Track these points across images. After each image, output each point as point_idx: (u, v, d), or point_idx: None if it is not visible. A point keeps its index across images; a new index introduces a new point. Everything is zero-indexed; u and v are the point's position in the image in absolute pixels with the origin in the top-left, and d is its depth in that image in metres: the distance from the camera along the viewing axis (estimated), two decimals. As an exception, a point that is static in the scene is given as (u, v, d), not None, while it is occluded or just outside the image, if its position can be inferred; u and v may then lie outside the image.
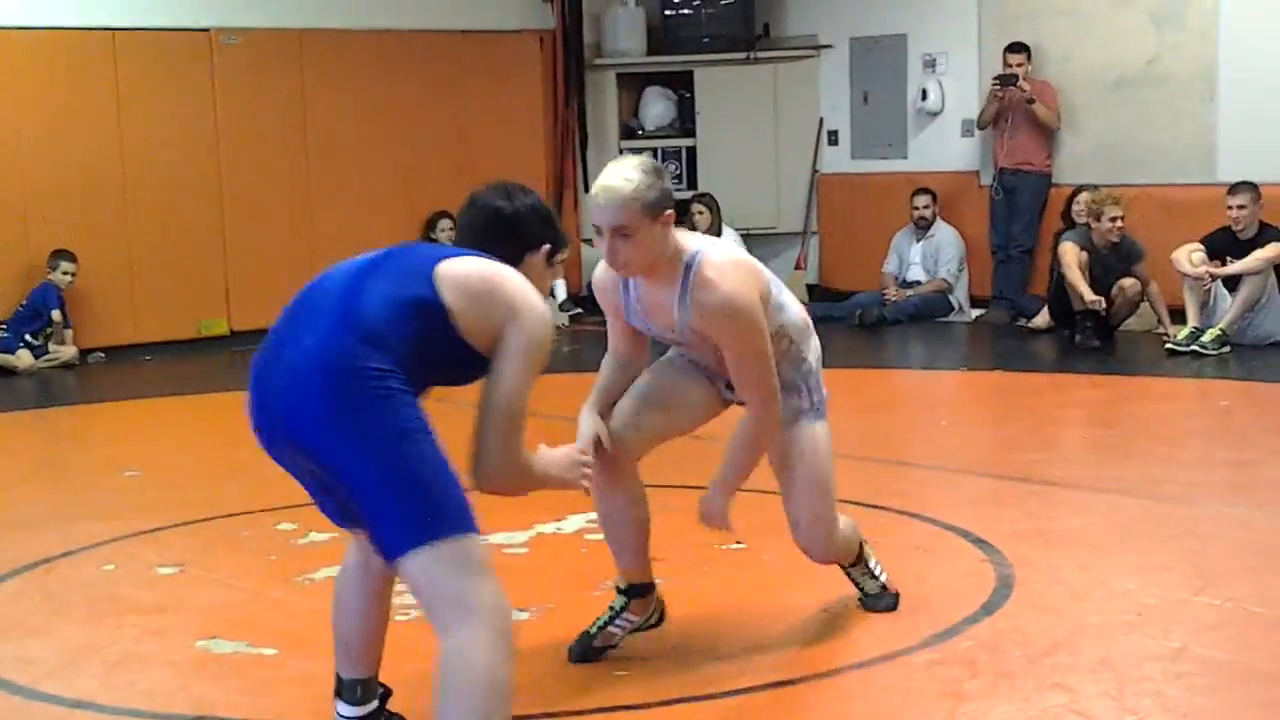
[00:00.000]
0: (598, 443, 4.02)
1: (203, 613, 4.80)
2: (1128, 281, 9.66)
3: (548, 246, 3.60)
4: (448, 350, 3.25)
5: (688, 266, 3.89)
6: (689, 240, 3.94)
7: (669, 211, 3.83)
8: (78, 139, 10.58)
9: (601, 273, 4.08)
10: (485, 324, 3.26)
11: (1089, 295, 9.49)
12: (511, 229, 3.54)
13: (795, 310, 4.21)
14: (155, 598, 5.04)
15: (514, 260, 3.46)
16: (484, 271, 3.33)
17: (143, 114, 10.77)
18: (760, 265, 4.08)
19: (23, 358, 10.17)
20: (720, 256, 3.92)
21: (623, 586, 4.31)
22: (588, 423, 4.06)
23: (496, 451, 3.26)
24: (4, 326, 10.26)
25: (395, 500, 3.10)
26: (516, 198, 3.60)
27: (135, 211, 10.79)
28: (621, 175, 3.80)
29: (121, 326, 10.77)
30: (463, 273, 3.30)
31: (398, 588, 3.53)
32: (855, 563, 4.56)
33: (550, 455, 3.55)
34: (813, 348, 4.28)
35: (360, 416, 3.10)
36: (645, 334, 4.16)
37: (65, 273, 10.36)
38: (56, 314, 10.30)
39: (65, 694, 4.14)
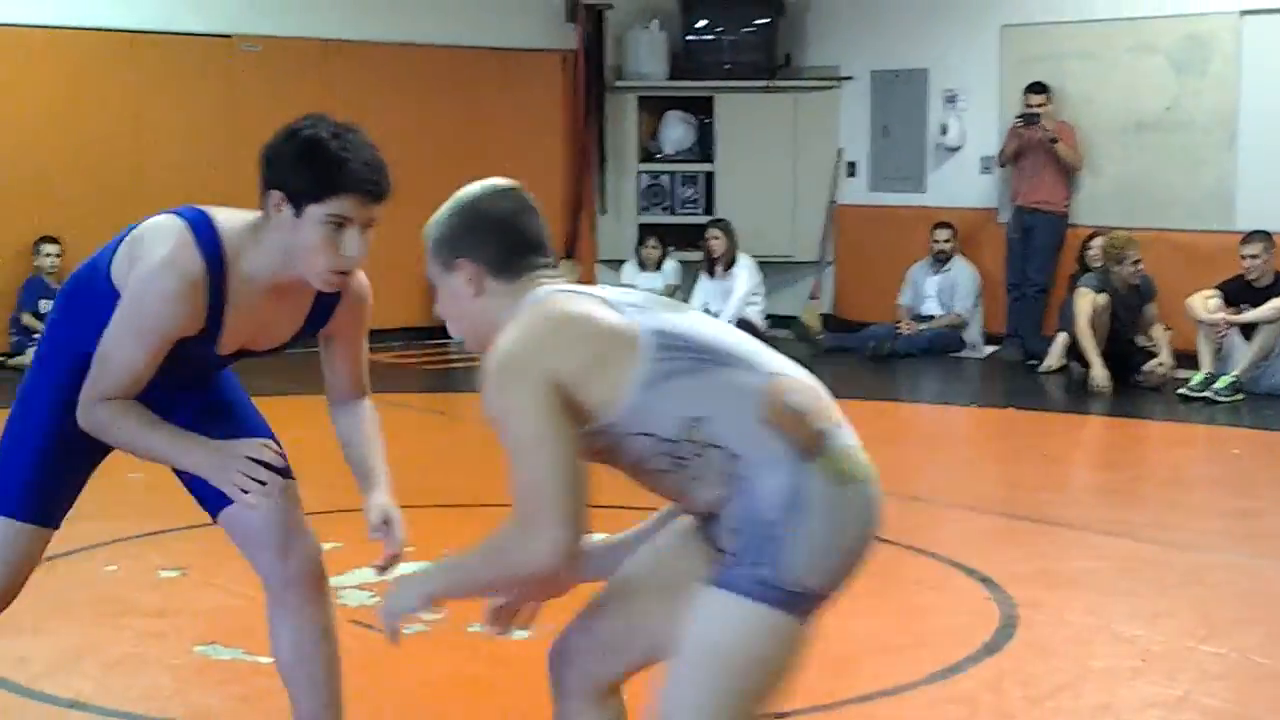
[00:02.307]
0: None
1: (203, 617, 4.78)
2: (1153, 364, 9.60)
3: (278, 193, 2.90)
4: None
5: None
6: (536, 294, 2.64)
7: (460, 260, 2.66)
8: (94, 142, 10.58)
9: None
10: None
11: (1097, 372, 9.42)
12: (261, 169, 2.95)
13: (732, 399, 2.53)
14: (156, 600, 5.02)
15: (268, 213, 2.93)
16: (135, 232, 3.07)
17: (160, 118, 10.78)
18: (624, 322, 2.55)
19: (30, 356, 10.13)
20: (529, 308, 2.60)
21: None
22: None
23: (81, 397, 2.98)
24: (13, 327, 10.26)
25: None
26: (302, 130, 2.97)
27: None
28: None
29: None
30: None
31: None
32: None
33: (222, 444, 2.98)
34: (776, 476, 2.51)
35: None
36: None
37: (48, 255, 10.16)
38: (44, 303, 10.01)
39: (61, 694, 4.13)
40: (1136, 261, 9.61)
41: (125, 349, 2.94)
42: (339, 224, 2.89)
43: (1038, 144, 10.84)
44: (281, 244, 2.93)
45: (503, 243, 2.68)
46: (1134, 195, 10.76)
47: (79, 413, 3.00)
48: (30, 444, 3.13)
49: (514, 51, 12.28)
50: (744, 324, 11.54)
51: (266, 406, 3.46)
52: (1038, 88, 10.86)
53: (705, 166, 12.68)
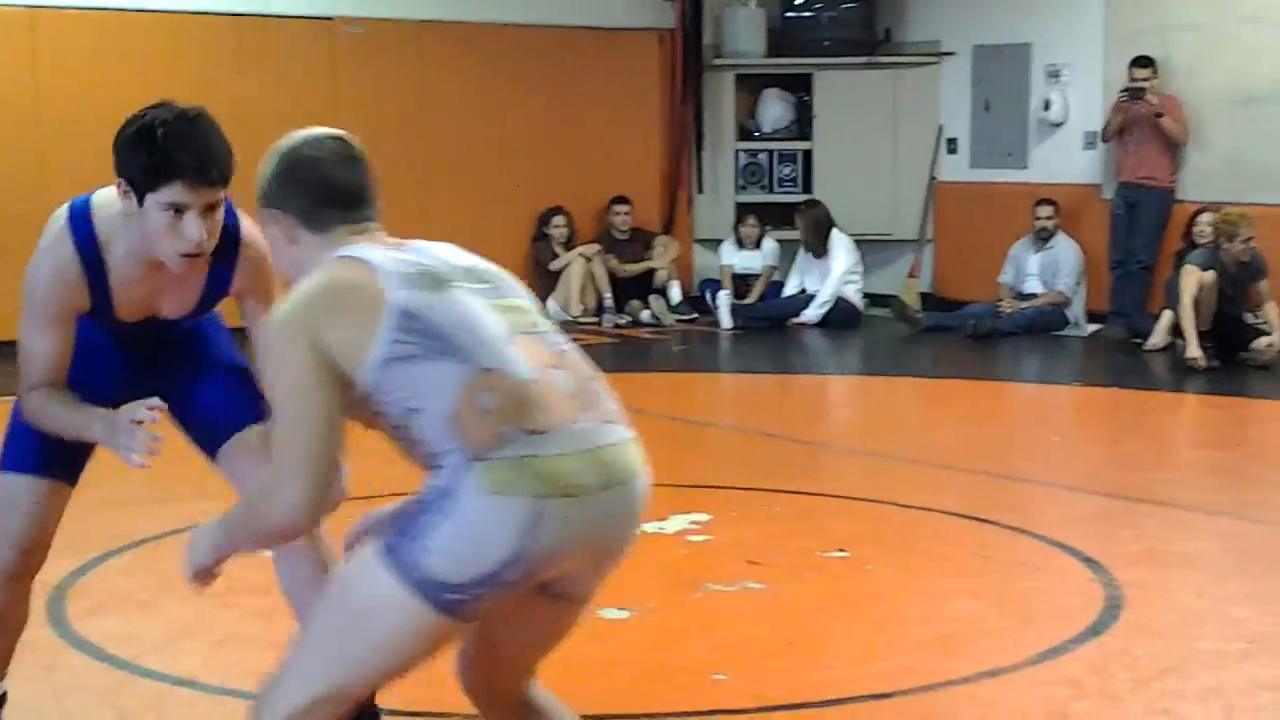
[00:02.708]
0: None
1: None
2: (1263, 342, 9.44)
3: (123, 182, 3.05)
4: None
5: None
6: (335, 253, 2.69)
7: (273, 210, 2.77)
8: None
9: None
10: None
11: (1193, 352, 9.31)
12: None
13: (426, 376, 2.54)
14: (261, 579, 5.02)
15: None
16: None
17: (262, 100, 10.87)
18: (358, 277, 2.59)
19: None
20: (320, 268, 2.67)
21: None
22: None
23: (19, 390, 3.28)
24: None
25: None
26: (137, 120, 3.05)
27: (252, 199, 10.89)
28: None
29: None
30: None
31: None
32: None
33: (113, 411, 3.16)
34: (445, 471, 2.53)
35: None
36: None
37: None
38: None
39: (169, 671, 4.18)
40: (1249, 239, 9.44)
41: (29, 336, 3.22)
42: (177, 210, 3.02)
43: (1143, 118, 10.67)
44: (136, 228, 3.09)
45: (310, 194, 2.72)
46: (1242, 170, 10.55)
47: (21, 407, 3.29)
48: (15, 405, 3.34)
49: (612, 30, 12.28)
50: (842, 303, 11.51)
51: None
52: (1143, 61, 10.68)
53: (803, 144, 12.61)
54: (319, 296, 2.58)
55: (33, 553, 3.37)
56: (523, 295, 2.74)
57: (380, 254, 2.64)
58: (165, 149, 2.98)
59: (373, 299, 2.56)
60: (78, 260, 3.13)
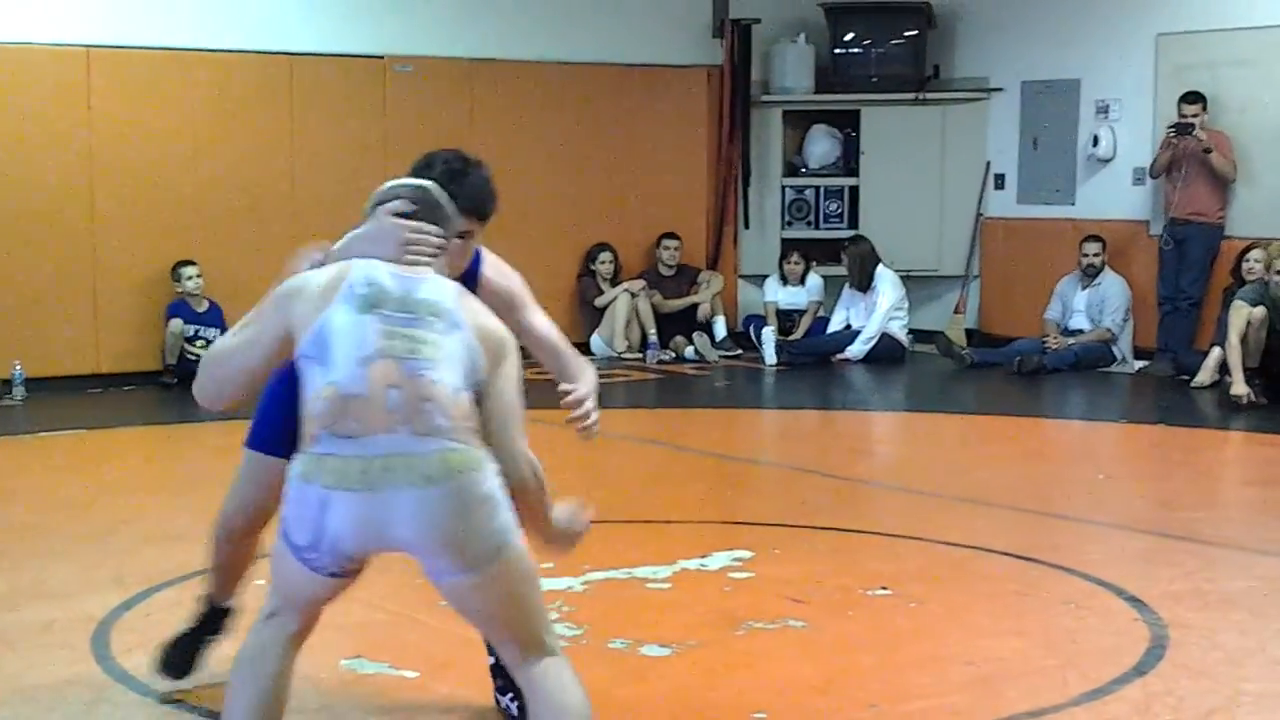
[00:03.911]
0: None
1: (349, 632, 4.84)
2: None
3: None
4: None
5: None
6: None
7: None
8: (248, 162, 10.79)
9: None
10: None
11: (1238, 389, 9.28)
12: None
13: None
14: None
15: None
16: None
17: (314, 137, 10.98)
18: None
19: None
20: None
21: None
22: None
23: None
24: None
25: None
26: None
27: (303, 232, 10.95)
28: None
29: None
30: None
31: None
32: None
33: None
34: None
35: None
36: None
37: (190, 278, 10.31)
38: (176, 324, 10.25)
39: (213, 707, 4.19)
40: (1294, 270, 9.39)
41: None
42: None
43: (1192, 154, 10.63)
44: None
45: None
46: (1292, 206, 10.49)
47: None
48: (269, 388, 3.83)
49: (660, 68, 12.33)
50: (887, 339, 11.49)
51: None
52: (1193, 97, 10.65)
53: (850, 180, 12.62)
54: (301, 284, 3.26)
55: (259, 520, 4.04)
56: (438, 331, 3.16)
57: (376, 270, 3.24)
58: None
59: (322, 301, 3.19)
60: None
